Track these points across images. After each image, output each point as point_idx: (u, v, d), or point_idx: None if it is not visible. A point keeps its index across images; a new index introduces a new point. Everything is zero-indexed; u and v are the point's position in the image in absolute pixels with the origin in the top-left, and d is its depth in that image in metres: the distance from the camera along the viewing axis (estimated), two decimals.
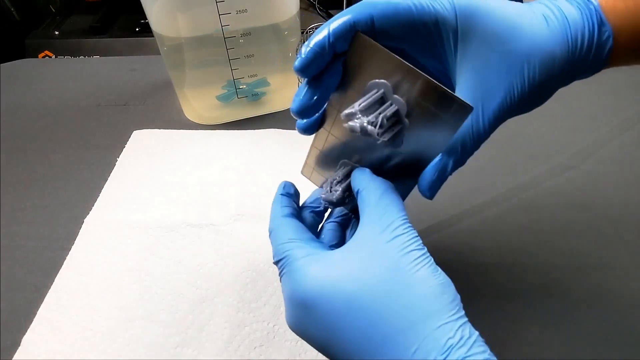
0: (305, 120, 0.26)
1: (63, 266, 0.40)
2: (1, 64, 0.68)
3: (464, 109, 0.20)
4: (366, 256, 0.21)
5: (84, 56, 0.88)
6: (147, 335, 0.35)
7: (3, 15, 0.94)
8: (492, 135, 0.24)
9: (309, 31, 0.54)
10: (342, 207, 0.29)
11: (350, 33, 0.22)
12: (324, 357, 0.23)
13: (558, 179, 0.48)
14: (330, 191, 0.27)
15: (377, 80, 0.22)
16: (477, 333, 0.19)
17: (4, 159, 0.52)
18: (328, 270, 0.22)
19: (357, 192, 0.25)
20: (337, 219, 0.29)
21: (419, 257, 0.21)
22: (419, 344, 0.19)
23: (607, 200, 0.46)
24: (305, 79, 0.24)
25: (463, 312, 0.20)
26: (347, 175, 0.27)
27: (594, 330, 0.35)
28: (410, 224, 0.22)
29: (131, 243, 0.41)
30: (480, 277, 0.39)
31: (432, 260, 0.21)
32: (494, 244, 0.42)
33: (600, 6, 0.23)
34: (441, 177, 0.24)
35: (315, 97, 0.24)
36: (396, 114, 0.22)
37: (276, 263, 0.25)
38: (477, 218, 0.44)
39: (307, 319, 0.22)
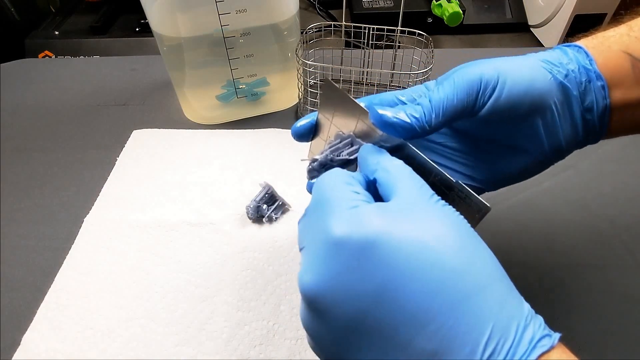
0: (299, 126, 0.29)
1: (63, 266, 0.40)
2: (1, 64, 0.68)
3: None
4: (423, 213, 0.20)
5: (84, 56, 0.88)
6: (147, 334, 0.35)
7: (3, 15, 0.94)
8: None
9: (309, 31, 0.54)
10: None
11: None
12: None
13: (557, 178, 0.48)
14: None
15: (341, 132, 0.26)
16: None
17: (4, 159, 0.52)
18: (392, 216, 0.19)
19: (378, 167, 0.23)
20: None
21: (470, 227, 0.21)
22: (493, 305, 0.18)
23: (605, 199, 0.46)
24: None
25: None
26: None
27: (592, 330, 0.35)
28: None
29: (131, 242, 0.42)
30: None
31: None
32: (493, 244, 0.41)
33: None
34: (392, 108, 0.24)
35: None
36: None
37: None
38: None
39: (363, 265, 0.19)
